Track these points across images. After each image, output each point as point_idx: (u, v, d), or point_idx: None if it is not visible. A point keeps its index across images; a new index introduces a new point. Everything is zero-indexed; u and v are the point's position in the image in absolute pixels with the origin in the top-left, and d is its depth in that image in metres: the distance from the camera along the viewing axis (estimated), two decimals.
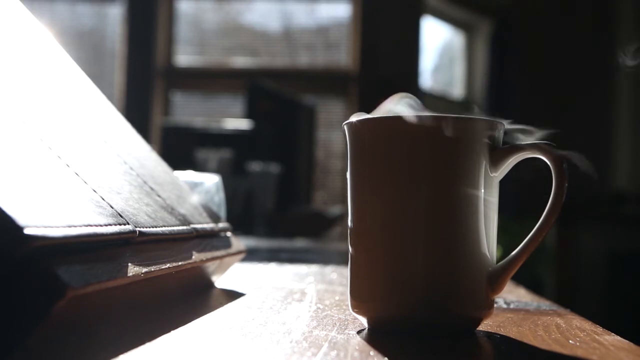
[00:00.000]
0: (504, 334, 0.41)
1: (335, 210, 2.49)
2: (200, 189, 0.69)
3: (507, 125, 0.43)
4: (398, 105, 0.44)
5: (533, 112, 3.49)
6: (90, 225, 0.35)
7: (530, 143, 0.41)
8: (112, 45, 3.61)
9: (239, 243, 0.66)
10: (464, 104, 3.62)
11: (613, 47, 3.58)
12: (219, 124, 2.99)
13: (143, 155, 0.60)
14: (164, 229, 0.46)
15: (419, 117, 0.43)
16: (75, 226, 0.34)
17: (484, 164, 0.41)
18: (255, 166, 2.18)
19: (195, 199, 0.64)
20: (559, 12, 3.59)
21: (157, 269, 0.42)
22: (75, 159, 0.43)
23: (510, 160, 0.42)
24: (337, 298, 0.55)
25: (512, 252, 0.42)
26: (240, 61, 3.61)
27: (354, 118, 0.44)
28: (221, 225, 0.64)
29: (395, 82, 3.22)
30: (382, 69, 3.38)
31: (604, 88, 3.57)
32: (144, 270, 0.39)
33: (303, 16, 3.64)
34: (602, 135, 3.56)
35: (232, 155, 2.17)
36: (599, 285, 3.05)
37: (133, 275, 0.38)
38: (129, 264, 0.38)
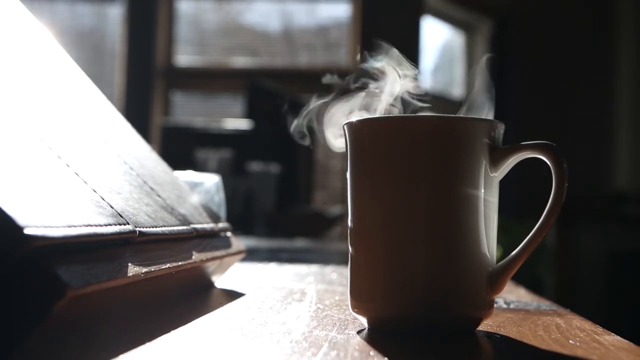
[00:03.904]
0: (504, 334, 0.41)
1: (335, 210, 2.49)
2: (200, 189, 0.69)
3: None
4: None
5: (533, 112, 3.49)
6: (90, 225, 0.35)
7: (530, 143, 0.41)
8: (112, 45, 3.61)
9: (239, 243, 0.66)
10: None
11: (613, 47, 3.58)
12: (219, 124, 2.99)
13: (143, 155, 0.60)
14: (164, 229, 0.46)
15: (419, 117, 0.43)
16: (75, 226, 0.34)
17: (484, 164, 0.41)
18: (255, 166, 2.18)
19: (195, 199, 0.64)
20: (559, 12, 3.59)
21: (157, 269, 0.42)
22: (75, 159, 0.43)
23: (510, 160, 0.42)
24: (337, 298, 0.55)
25: (512, 252, 0.42)
26: (240, 61, 3.61)
27: (354, 118, 0.44)
28: (221, 225, 0.64)
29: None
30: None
31: (604, 88, 3.57)
32: (144, 270, 0.39)
33: (303, 16, 3.64)
34: (602, 135, 3.56)
35: (232, 155, 2.17)
36: (599, 285, 3.05)
37: (133, 275, 0.38)
38: (129, 264, 0.38)
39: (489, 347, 0.39)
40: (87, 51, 3.60)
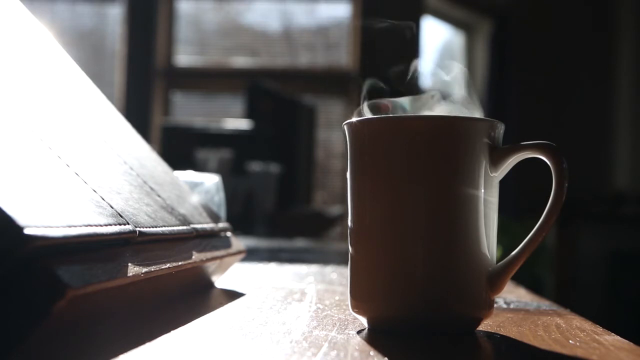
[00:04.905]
0: (504, 334, 0.41)
1: (335, 210, 2.49)
2: (200, 189, 0.69)
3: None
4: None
5: (533, 112, 3.49)
6: (90, 225, 0.35)
7: (530, 143, 0.41)
8: (112, 45, 3.61)
9: (239, 243, 0.66)
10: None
11: (613, 47, 3.58)
12: (219, 124, 2.99)
13: (143, 155, 0.60)
14: (164, 229, 0.46)
15: (419, 117, 0.43)
16: (75, 226, 0.34)
17: (484, 164, 0.41)
18: (255, 166, 2.18)
19: (195, 199, 0.64)
20: (559, 12, 3.59)
21: (157, 269, 0.42)
22: (75, 159, 0.43)
23: (510, 160, 0.42)
24: (337, 298, 0.55)
25: (512, 252, 0.42)
26: (240, 61, 3.61)
27: (354, 118, 0.44)
28: (221, 225, 0.64)
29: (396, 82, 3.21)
30: (382, 69, 3.38)
31: (604, 88, 3.57)
32: (144, 270, 0.39)
33: (303, 16, 3.64)
34: (602, 135, 3.56)
35: (232, 155, 2.17)
36: (599, 285, 3.05)
37: (133, 275, 0.38)
38: (129, 264, 0.38)
39: (489, 347, 0.39)
40: (87, 51, 3.60)
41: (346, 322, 0.44)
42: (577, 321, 0.47)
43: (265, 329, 0.40)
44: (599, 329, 0.43)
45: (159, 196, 0.53)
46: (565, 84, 3.55)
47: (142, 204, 0.47)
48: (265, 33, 3.67)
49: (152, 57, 3.52)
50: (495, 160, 0.41)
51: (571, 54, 3.55)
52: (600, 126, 3.57)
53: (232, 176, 2.04)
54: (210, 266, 0.58)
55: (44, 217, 0.31)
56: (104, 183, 0.43)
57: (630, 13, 3.56)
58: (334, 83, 3.54)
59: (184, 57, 3.63)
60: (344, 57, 3.58)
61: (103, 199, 0.40)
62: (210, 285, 0.61)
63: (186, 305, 0.50)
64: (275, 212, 2.19)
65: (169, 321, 0.42)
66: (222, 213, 0.71)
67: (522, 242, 0.42)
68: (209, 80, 3.60)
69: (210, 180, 0.73)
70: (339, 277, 0.73)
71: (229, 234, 0.66)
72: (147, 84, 3.52)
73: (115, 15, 3.61)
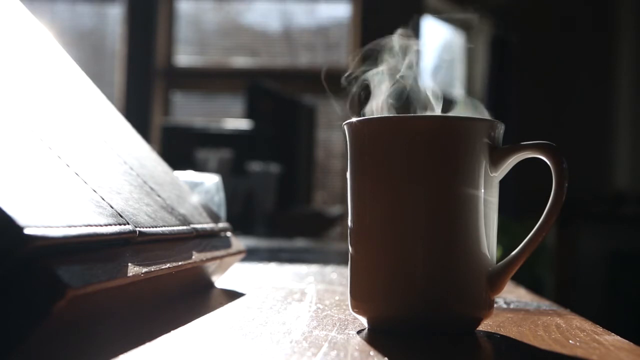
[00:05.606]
0: (504, 334, 0.41)
1: (335, 210, 2.49)
2: (200, 189, 0.69)
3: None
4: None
5: (533, 112, 3.49)
6: (90, 225, 0.35)
7: (530, 143, 0.41)
8: (112, 45, 3.61)
9: (239, 243, 0.66)
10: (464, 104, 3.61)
11: (613, 46, 3.58)
12: (219, 124, 2.99)
13: (143, 155, 0.60)
14: (164, 229, 0.46)
15: (419, 117, 0.43)
16: (75, 226, 0.34)
17: (484, 164, 0.41)
18: (255, 166, 2.18)
19: (195, 199, 0.64)
20: (559, 12, 3.59)
21: (157, 269, 0.42)
22: (75, 159, 0.43)
23: (510, 160, 0.42)
24: (337, 298, 0.55)
25: (512, 252, 0.42)
26: (240, 61, 3.61)
27: (354, 118, 0.44)
28: (221, 225, 0.64)
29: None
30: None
31: (604, 88, 3.57)
32: (144, 270, 0.39)
33: (303, 16, 3.64)
34: (602, 135, 3.56)
35: (232, 155, 2.17)
36: (599, 285, 3.05)
37: (133, 275, 0.38)
38: (129, 264, 0.38)
39: (489, 347, 0.39)
40: (87, 51, 3.60)
41: (346, 322, 0.44)
42: (577, 321, 0.47)
43: (265, 329, 0.40)
44: (599, 329, 0.43)
45: (159, 196, 0.53)
46: (565, 84, 3.55)
47: (142, 204, 0.47)
48: (265, 33, 3.67)
49: (152, 57, 3.52)
50: (495, 160, 0.41)
51: (571, 54, 3.55)
52: (600, 126, 3.57)
53: (232, 176, 2.04)
54: (210, 266, 0.58)
55: (44, 217, 0.31)
56: (104, 183, 0.43)
57: (630, 13, 3.56)
58: (334, 83, 3.54)
59: (184, 57, 3.63)
60: (344, 57, 3.58)
61: (103, 199, 0.40)
62: (210, 285, 0.61)
63: (186, 305, 0.50)
64: (275, 212, 2.19)
65: (169, 321, 0.42)
66: (222, 213, 0.71)
67: (522, 242, 0.42)
68: (209, 80, 3.60)
69: (210, 180, 0.73)
70: (339, 277, 0.73)
71: (229, 234, 0.66)
72: (147, 84, 3.52)
73: (115, 15, 3.60)
